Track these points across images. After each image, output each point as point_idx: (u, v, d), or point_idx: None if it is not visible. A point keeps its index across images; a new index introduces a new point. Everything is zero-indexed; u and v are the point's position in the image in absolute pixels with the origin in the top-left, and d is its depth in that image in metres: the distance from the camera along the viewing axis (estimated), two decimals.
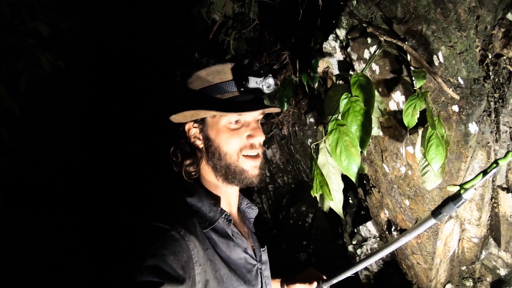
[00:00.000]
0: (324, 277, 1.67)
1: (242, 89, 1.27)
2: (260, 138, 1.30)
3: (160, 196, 1.29)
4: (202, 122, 1.31)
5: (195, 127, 1.33)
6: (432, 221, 1.27)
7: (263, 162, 1.38)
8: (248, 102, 1.28)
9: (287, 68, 2.97)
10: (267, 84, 1.29)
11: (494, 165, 1.14)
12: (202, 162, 1.35)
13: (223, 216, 1.27)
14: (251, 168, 1.30)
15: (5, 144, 3.06)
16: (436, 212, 1.26)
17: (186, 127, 1.34)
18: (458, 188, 1.21)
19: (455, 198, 1.21)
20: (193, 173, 1.34)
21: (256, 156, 1.32)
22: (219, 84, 1.28)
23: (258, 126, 1.32)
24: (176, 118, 1.29)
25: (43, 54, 3.02)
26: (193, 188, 1.32)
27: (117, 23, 4.07)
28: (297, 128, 3.44)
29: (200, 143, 1.34)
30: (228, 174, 1.29)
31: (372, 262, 1.48)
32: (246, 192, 1.56)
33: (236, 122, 1.28)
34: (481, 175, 1.17)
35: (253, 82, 1.27)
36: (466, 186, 1.18)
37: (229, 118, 1.27)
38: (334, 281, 1.64)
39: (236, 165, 1.29)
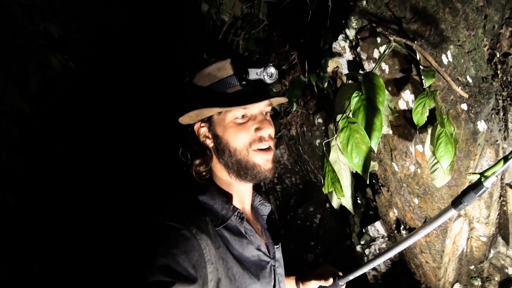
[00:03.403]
0: (340, 274, 1.62)
1: (243, 82, 1.25)
2: (268, 130, 1.27)
3: (172, 195, 1.29)
4: (209, 120, 1.29)
5: (203, 127, 1.31)
6: (453, 212, 1.22)
7: (276, 155, 1.34)
8: (252, 94, 1.25)
9: (296, 69, 2.99)
10: (268, 73, 1.26)
11: None
12: (213, 161, 1.33)
13: (236, 213, 1.26)
14: (264, 162, 1.27)
15: (16, 143, 3.09)
16: (456, 202, 1.20)
17: (195, 127, 1.32)
18: (478, 176, 1.15)
19: (475, 186, 1.15)
20: (203, 173, 1.32)
21: (268, 149, 1.29)
22: (221, 80, 1.26)
23: (266, 118, 1.29)
24: (183, 120, 1.28)
25: (54, 55, 3.05)
26: (205, 186, 1.31)
27: (126, 24, 4.10)
28: (305, 129, 3.46)
29: (210, 142, 1.32)
30: (240, 170, 1.27)
31: (391, 256, 1.43)
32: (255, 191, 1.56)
33: (243, 116, 1.26)
34: (502, 161, 1.12)
35: (254, 74, 1.25)
36: (487, 173, 1.13)
37: (234, 113, 1.25)
38: (351, 277, 1.58)
39: (247, 160, 1.26)
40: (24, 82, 3.02)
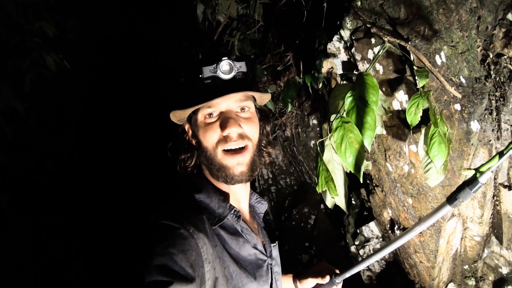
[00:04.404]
0: (337, 271, 1.62)
1: (205, 81, 1.23)
2: (232, 128, 1.21)
3: (169, 194, 1.28)
4: (189, 120, 1.32)
5: (188, 127, 1.34)
6: (448, 208, 1.19)
7: (254, 157, 1.30)
8: (211, 92, 1.21)
9: (291, 70, 2.99)
10: (222, 69, 1.22)
11: (511, 145, 1.07)
12: (200, 159, 1.34)
13: (232, 212, 1.26)
14: (233, 164, 1.24)
15: (9, 143, 3.08)
16: (451, 198, 1.18)
17: (185, 127, 1.35)
18: (473, 172, 1.12)
19: (471, 182, 1.13)
20: (189, 169, 1.34)
21: (239, 151, 1.25)
22: (186, 80, 1.28)
23: (232, 117, 1.24)
24: (172, 119, 1.32)
25: (49, 54, 3.04)
26: (201, 184, 1.31)
27: (121, 24, 4.10)
28: (300, 130, 3.47)
29: (194, 141, 1.33)
30: (213, 170, 1.27)
31: (389, 252, 1.41)
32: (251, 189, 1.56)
33: (210, 115, 1.24)
34: (497, 157, 1.09)
35: (207, 72, 1.22)
36: (482, 169, 1.11)
37: (203, 112, 1.24)
38: (347, 275, 1.56)
39: (216, 161, 1.25)
40: (19, 81, 3.01)
